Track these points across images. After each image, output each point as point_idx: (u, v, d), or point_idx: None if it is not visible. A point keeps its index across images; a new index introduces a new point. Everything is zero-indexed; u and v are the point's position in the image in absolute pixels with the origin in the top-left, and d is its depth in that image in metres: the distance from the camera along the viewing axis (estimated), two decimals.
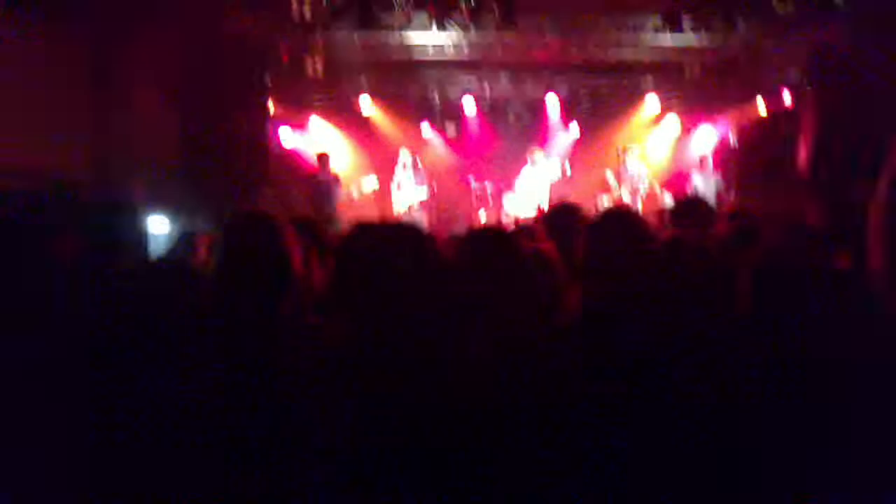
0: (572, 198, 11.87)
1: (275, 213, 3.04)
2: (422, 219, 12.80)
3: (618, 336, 2.67)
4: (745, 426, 1.28)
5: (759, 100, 13.79)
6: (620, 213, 3.39)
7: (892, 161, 1.24)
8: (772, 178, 13.06)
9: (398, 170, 13.25)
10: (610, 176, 12.99)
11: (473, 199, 13.99)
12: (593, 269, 3.01)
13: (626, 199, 12.57)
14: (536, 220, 6.25)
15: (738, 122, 14.70)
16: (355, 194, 12.43)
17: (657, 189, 12.97)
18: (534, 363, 2.70)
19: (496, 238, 3.07)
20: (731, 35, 11.98)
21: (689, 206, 5.73)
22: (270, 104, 12.90)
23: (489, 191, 13.89)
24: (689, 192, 12.21)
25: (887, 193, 1.23)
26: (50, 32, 9.54)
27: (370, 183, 12.68)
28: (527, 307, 2.88)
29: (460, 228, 11.76)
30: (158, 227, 10.15)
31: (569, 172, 13.30)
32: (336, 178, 12.53)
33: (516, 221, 10.98)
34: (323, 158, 12.71)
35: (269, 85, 12.60)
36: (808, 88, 12.32)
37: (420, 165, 13.36)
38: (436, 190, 13.63)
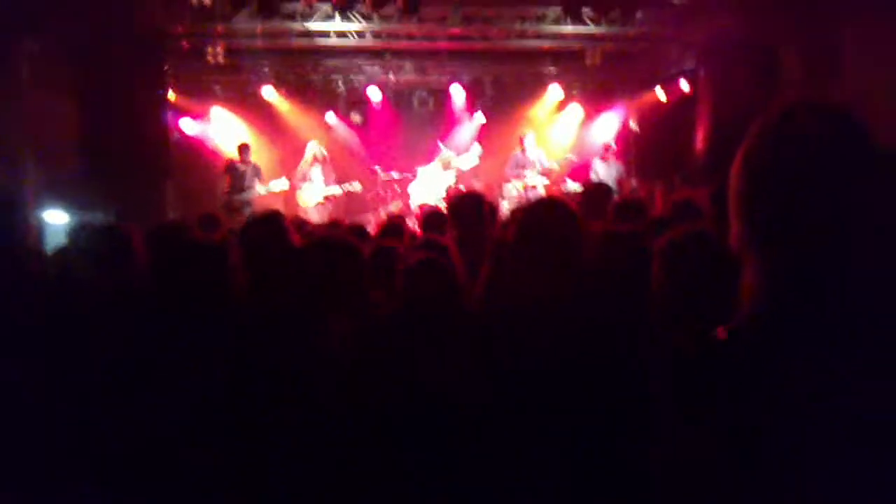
0: (477, 185, 12.02)
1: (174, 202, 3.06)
2: (326, 212, 12.70)
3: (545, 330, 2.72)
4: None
5: (658, 87, 14.11)
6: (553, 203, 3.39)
7: (747, 139, 1.34)
8: (670, 164, 13.41)
9: (304, 163, 13.08)
10: (510, 166, 13.06)
11: (380, 187, 13.97)
12: (524, 258, 3.01)
13: (533, 183, 12.71)
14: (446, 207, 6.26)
15: (638, 110, 15.04)
16: (263, 192, 12.34)
17: (557, 170, 13.17)
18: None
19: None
20: (629, 23, 12.23)
21: (597, 193, 5.88)
22: (171, 93, 12.63)
23: (395, 179, 13.87)
24: (591, 178, 12.44)
25: (738, 168, 1.34)
26: None
27: (280, 184, 12.59)
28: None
29: (366, 218, 11.77)
30: (56, 219, 9.91)
31: (475, 160, 13.41)
32: (256, 167, 12.44)
33: (421, 209, 11.01)
34: (243, 148, 12.59)
35: (169, 73, 12.33)
36: (703, 76, 12.66)
37: (327, 159, 13.23)
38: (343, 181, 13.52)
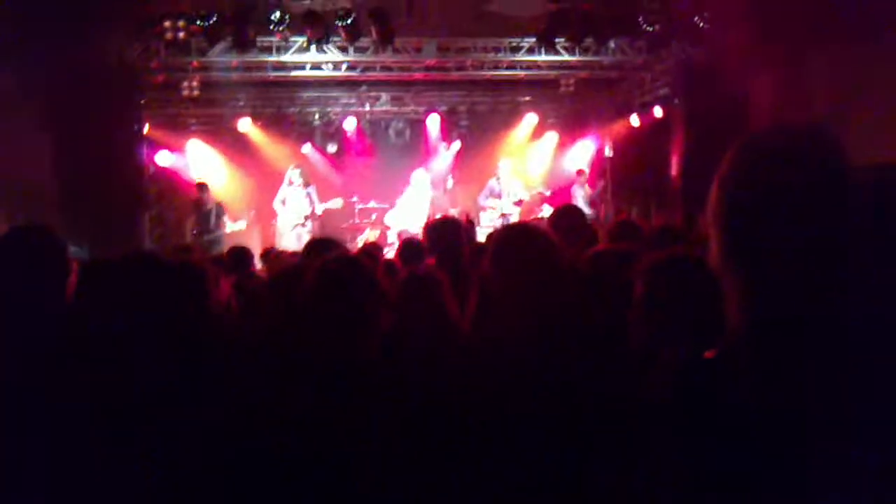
0: (454, 213, 12.02)
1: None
2: (302, 241, 12.56)
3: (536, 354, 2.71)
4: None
5: (633, 114, 14.23)
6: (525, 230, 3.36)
7: (724, 161, 1.36)
8: (645, 189, 13.50)
9: (284, 187, 12.92)
10: (484, 195, 13.06)
11: (357, 217, 13.93)
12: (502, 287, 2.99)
13: (507, 211, 12.71)
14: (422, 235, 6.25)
15: (613, 136, 15.15)
16: (234, 227, 12.32)
17: (533, 197, 13.21)
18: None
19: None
20: (602, 52, 12.34)
21: (566, 214, 5.82)
22: (146, 126, 12.58)
23: (372, 209, 13.84)
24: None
25: (716, 189, 1.36)
26: None
27: (239, 225, 12.55)
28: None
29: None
30: None
31: (450, 186, 13.43)
32: (219, 205, 12.41)
33: (399, 237, 11.00)
34: (202, 186, 12.56)
35: (144, 107, 12.29)
36: (677, 103, 12.78)
37: (310, 182, 13.08)
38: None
